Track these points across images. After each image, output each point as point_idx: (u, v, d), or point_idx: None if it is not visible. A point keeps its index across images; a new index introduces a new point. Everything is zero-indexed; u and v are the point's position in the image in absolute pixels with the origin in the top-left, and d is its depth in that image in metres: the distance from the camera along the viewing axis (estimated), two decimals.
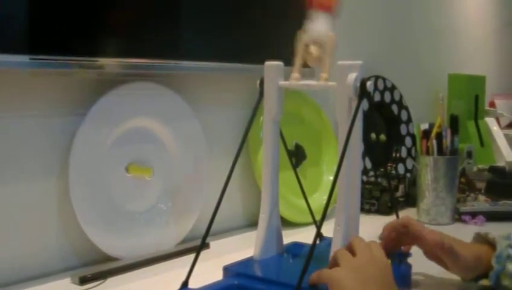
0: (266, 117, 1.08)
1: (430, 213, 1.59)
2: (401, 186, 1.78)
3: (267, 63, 1.07)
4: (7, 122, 1.08)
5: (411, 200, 1.74)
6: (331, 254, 0.94)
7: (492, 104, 3.07)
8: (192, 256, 0.99)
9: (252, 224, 1.55)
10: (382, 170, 1.83)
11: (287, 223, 1.45)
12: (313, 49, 1.00)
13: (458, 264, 1.04)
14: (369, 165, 1.83)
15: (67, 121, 1.15)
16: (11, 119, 1.08)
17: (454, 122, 1.68)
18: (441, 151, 1.61)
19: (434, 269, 1.11)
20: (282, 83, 1.06)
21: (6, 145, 1.08)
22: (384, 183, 1.72)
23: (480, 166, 2.27)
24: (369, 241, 0.93)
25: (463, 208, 1.63)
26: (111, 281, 1.12)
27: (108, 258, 1.19)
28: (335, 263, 0.89)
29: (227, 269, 1.02)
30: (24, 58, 1.02)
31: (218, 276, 1.01)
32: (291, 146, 1.58)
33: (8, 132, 1.08)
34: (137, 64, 1.21)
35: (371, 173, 1.81)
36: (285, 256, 1.11)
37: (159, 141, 1.29)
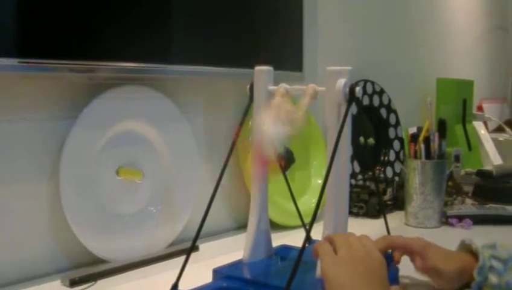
0: (255, 122, 1.08)
1: (418, 216, 1.60)
2: (389, 190, 1.79)
3: (257, 67, 1.08)
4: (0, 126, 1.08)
5: (399, 203, 1.75)
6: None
7: (480, 108, 3.10)
8: (182, 258, 1.00)
9: (241, 227, 1.56)
10: (370, 173, 1.84)
11: (275, 226, 1.46)
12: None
13: (442, 280, 1.05)
14: (357, 168, 1.84)
15: (58, 124, 1.16)
16: (3, 124, 1.09)
17: (442, 126, 1.70)
18: (428, 155, 1.62)
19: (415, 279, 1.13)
20: (271, 87, 1.07)
21: None
22: (373, 186, 1.73)
23: (467, 170, 2.29)
24: (361, 235, 0.94)
25: (450, 212, 1.64)
26: (101, 283, 1.12)
27: (99, 261, 1.19)
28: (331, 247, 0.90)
29: (216, 272, 1.03)
30: (13, 62, 1.02)
31: (207, 278, 1.02)
32: (280, 150, 1.58)
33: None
34: (128, 68, 1.21)
35: (359, 177, 1.82)
36: (274, 259, 1.12)
37: (149, 144, 1.30)
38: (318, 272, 0.95)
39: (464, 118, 2.60)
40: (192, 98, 1.43)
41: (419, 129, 1.68)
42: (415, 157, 1.63)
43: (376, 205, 1.70)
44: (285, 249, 1.16)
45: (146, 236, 1.28)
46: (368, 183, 1.76)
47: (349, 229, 1.01)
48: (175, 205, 1.34)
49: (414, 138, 1.65)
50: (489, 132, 2.79)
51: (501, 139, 2.69)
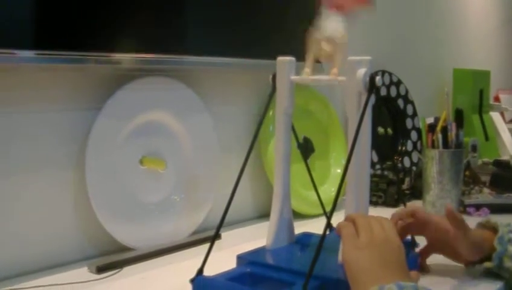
0: (278, 111, 1.10)
1: (436, 205, 1.62)
2: (407, 179, 1.81)
3: (280, 58, 1.10)
4: (28, 116, 1.11)
5: (417, 192, 1.77)
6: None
7: (496, 99, 3.10)
8: (204, 246, 1.02)
9: (261, 215, 1.58)
10: (389, 163, 1.86)
11: (295, 215, 1.47)
12: (325, 46, 1.03)
13: (467, 240, 1.07)
14: (375, 158, 1.86)
15: (85, 115, 1.19)
16: (32, 114, 1.12)
17: (459, 117, 1.71)
18: (446, 144, 1.64)
19: (438, 257, 1.15)
20: (294, 77, 1.09)
21: (26, 138, 1.11)
22: (391, 176, 1.75)
23: (484, 159, 2.30)
24: (382, 218, 0.96)
25: (468, 201, 1.66)
26: (127, 270, 1.15)
27: (124, 248, 1.22)
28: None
29: (240, 258, 1.05)
30: (43, 54, 1.06)
31: (230, 265, 1.04)
32: (299, 139, 1.61)
33: (28, 126, 1.11)
34: (151, 60, 1.24)
35: (378, 166, 1.84)
36: (295, 246, 1.14)
37: (171, 134, 1.32)
38: (340, 257, 0.98)
39: (481, 108, 2.61)
40: (213, 88, 1.46)
41: (437, 119, 1.70)
42: (433, 147, 1.65)
43: (394, 194, 1.72)
44: (306, 236, 1.18)
45: (170, 224, 1.31)
46: (386, 172, 1.78)
47: None
48: (197, 194, 1.37)
49: (432, 128, 1.67)
50: (506, 123, 2.80)
51: None
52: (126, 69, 1.22)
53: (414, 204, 1.69)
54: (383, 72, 2.00)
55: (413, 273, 0.92)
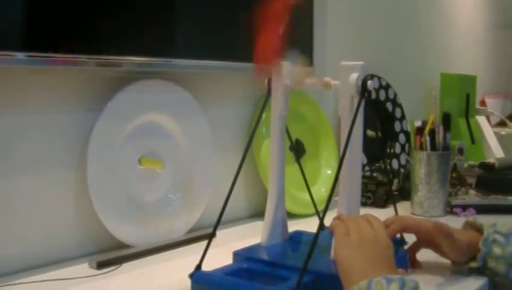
0: (273, 114, 1.15)
1: (423, 206, 1.66)
2: (395, 181, 1.85)
3: None
4: (32, 117, 1.14)
5: (405, 193, 1.80)
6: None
7: (483, 103, 3.14)
8: (200, 244, 1.06)
9: (254, 215, 1.62)
10: (377, 164, 1.90)
11: (287, 215, 1.51)
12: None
13: (454, 247, 1.13)
14: (364, 160, 1.90)
15: (86, 116, 1.22)
16: (36, 115, 1.15)
17: (446, 120, 1.75)
18: (434, 147, 1.68)
19: (426, 255, 1.19)
20: (288, 81, 1.13)
21: (30, 139, 1.15)
22: (380, 177, 1.79)
23: (470, 162, 2.34)
24: (371, 217, 1.01)
25: (455, 201, 1.70)
26: (126, 266, 1.19)
27: (123, 245, 1.26)
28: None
29: (236, 254, 1.09)
30: (46, 57, 1.09)
31: (225, 262, 1.07)
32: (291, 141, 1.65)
33: (32, 126, 1.15)
34: (150, 63, 1.27)
35: (367, 168, 1.88)
36: (289, 243, 1.18)
37: (169, 135, 1.36)
38: (332, 254, 1.02)
39: (467, 112, 2.64)
40: (210, 91, 1.49)
41: (425, 122, 1.74)
42: (421, 149, 1.69)
43: (383, 195, 1.76)
44: (299, 234, 1.22)
45: (166, 223, 1.34)
46: (375, 174, 1.82)
47: None
48: (193, 193, 1.40)
49: (420, 130, 1.71)
50: (492, 126, 2.83)
51: (503, 133, 2.73)
52: (126, 72, 1.25)
53: (402, 205, 1.73)
54: (373, 76, 2.03)
55: (401, 271, 0.96)
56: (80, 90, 1.22)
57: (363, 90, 1.03)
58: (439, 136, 1.68)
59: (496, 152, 2.58)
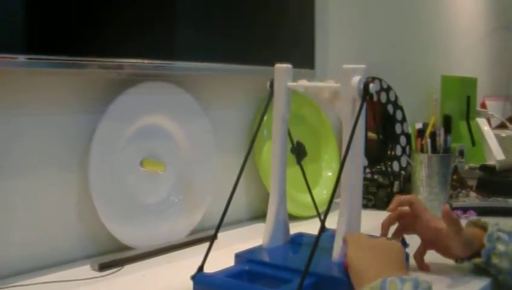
0: (275, 116, 1.15)
1: None
2: (396, 183, 1.85)
3: (277, 65, 1.14)
4: (35, 119, 1.15)
5: None
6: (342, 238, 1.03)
7: (483, 106, 3.14)
8: (202, 246, 1.06)
9: (256, 217, 1.62)
10: (378, 167, 1.90)
11: (288, 217, 1.52)
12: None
13: (459, 238, 1.12)
14: (365, 162, 1.90)
15: (88, 118, 1.22)
16: (39, 116, 1.15)
17: (447, 122, 1.75)
18: (434, 149, 1.68)
19: (429, 256, 1.19)
20: (290, 84, 1.14)
21: (33, 140, 1.15)
22: (381, 179, 1.80)
23: (471, 165, 2.35)
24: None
25: (455, 203, 1.71)
26: (128, 268, 1.19)
27: (124, 247, 1.26)
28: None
29: (238, 256, 1.09)
30: (49, 60, 1.09)
31: (227, 264, 1.07)
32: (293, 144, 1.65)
33: (35, 128, 1.15)
34: (152, 65, 1.28)
35: (367, 170, 1.89)
36: (291, 245, 1.18)
37: (171, 137, 1.36)
38: (334, 256, 1.03)
39: (468, 114, 2.65)
40: (211, 93, 1.50)
41: (425, 125, 1.74)
42: (422, 151, 1.69)
43: (384, 197, 1.76)
44: (300, 236, 1.22)
45: (168, 225, 1.34)
46: (375, 176, 1.83)
47: None
48: (195, 196, 1.41)
49: (421, 133, 1.71)
50: (492, 129, 2.84)
51: (503, 135, 2.72)
52: (128, 74, 1.26)
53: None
54: (374, 78, 2.04)
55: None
56: (82, 92, 1.23)
57: (365, 93, 1.03)
58: (440, 139, 1.68)
59: (496, 154, 2.58)
